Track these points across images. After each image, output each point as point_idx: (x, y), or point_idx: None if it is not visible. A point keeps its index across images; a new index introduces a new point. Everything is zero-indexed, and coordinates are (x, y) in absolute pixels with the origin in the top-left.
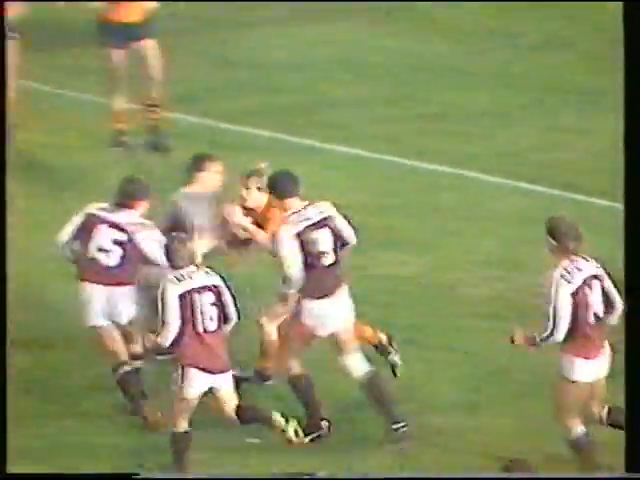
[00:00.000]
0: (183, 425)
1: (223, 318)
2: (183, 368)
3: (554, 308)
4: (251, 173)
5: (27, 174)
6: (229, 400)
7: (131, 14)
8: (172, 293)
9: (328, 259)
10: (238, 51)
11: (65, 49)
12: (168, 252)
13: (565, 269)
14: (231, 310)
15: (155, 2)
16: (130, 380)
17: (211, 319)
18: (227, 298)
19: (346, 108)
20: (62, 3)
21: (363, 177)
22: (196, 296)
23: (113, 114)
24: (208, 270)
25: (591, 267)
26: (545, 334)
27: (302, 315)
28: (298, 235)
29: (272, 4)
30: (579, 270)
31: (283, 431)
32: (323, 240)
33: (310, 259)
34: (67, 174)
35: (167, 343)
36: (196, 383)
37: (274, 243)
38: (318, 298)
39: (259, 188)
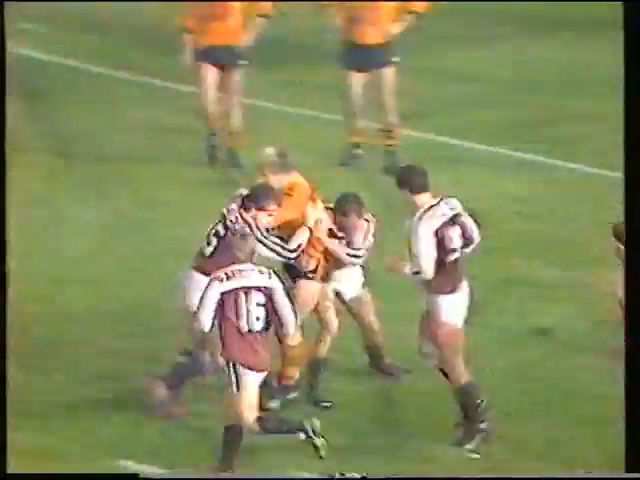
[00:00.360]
0: (251, 416)
1: (277, 320)
2: (235, 367)
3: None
4: (264, 160)
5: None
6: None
7: (374, 37)
8: (216, 289)
9: (455, 255)
10: (460, 66)
11: (291, 65)
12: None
13: None
14: (285, 312)
15: (397, 26)
16: (181, 369)
17: (257, 319)
18: (281, 300)
19: (571, 123)
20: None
21: (590, 193)
22: (242, 295)
23: (347, 133)
24: (263, 270)
25: None
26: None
27: (441, 314)
28: (436, 232)
29: (496, 21)
30: None
31: (315, 447)
32: (455, 237)
33: (442, 255)
34: None
35: (206, 328)
36: (251, 381)
37: (411, 237)
38: (449, 293)
39: (273, 172)
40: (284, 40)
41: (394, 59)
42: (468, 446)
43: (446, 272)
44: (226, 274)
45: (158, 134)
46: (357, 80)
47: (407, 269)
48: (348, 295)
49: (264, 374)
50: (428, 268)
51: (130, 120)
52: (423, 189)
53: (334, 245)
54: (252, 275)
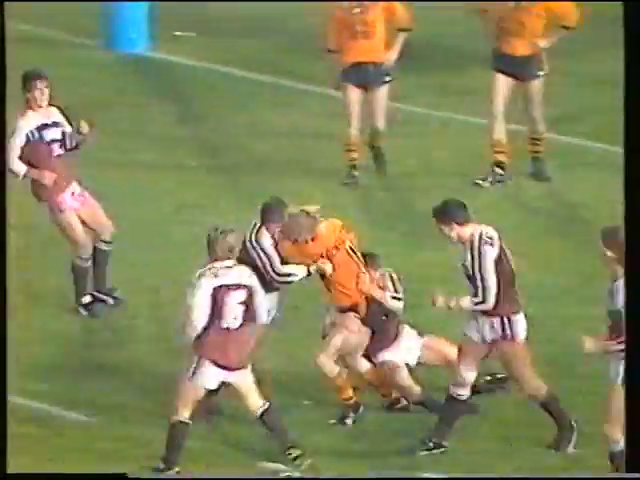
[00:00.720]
0: (184, 414)
1: (250, 318)
2: (200, 359)
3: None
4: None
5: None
6: (248, 394)
7: (521, 49)
8: (206, 287)
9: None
10: (606, 71)
11: (434, 68)
12: (207, 242)
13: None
14: (260, 312)
15: (546, 41)
16: None
17: (235, 318)
18: (259, 299)
19: None
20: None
21: None
22: (226, 292)
23: (493, 143)
24: (244, 268)
25: None
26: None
27: (519, 333)
28: (495, 260)
29: None
30: None
31: (292, 459)
32: (509, 257)
33: (505, 278)
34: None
35: (193, 335)
36: (208, 377)
37: (475, 269)
38: (519, 312)
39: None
40: (423, 43)
41: (541, 72)
42: (567, 450)
43: (513, 293)
44: (212, 272)
45: (304, 139)
46: (503, 85)
47: (466, 302)
48: (413, 361)
49: (233, 373)
50: (492, 299)
51: (277, 125)
52: (468, 220)
53: (376, 291)
54: (234, 271)
